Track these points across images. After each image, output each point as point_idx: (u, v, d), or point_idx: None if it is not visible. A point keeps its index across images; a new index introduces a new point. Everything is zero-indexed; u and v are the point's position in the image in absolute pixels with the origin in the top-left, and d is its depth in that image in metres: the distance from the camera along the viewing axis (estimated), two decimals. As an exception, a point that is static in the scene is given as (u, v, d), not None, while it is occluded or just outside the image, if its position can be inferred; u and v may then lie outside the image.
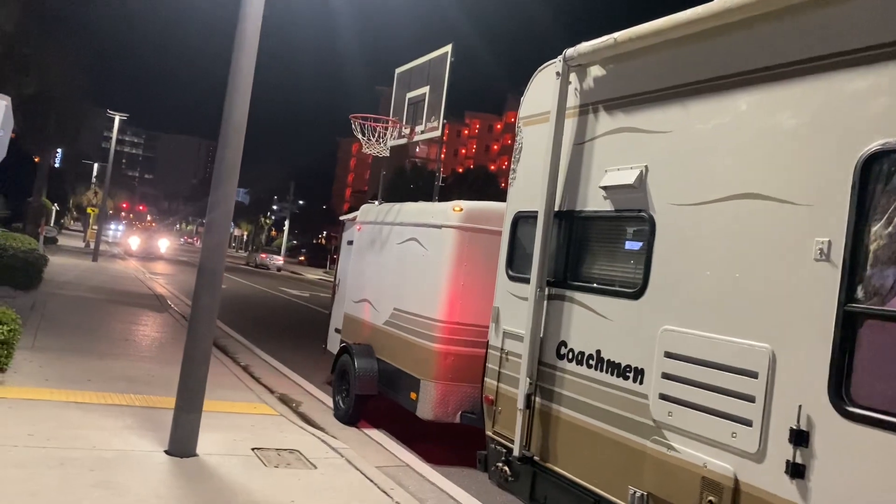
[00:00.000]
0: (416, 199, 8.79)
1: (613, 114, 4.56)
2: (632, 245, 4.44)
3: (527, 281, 4.91)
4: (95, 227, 36.02)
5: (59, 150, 50.13)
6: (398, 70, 9.07)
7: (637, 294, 4.09)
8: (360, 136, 8.35)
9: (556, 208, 4.81)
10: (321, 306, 22.64)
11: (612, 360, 4.20)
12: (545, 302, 4.80)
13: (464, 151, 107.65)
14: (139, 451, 5.66)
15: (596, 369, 4.30)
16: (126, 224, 77.32)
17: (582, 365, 4.42)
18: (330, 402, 8.99)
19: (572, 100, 4.87)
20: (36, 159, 38.05)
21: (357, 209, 9.79)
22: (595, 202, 4.55)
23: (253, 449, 6.17)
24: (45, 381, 7.52)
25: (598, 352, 4.31)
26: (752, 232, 3.47)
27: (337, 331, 9.66)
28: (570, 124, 4.85)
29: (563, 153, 4.82)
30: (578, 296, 4.56)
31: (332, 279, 10.64)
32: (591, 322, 4.41)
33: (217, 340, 12.75)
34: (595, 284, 4.49)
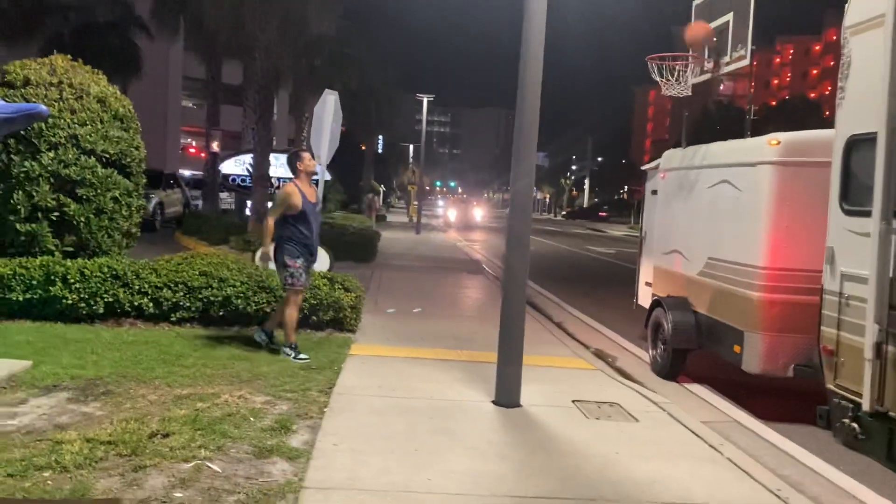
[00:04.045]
0: (723, 141, 8.15)
1: (975, 0, 3.71)
2: None
3: (867, 214, 4.26)
4: (416, 202, 39.61)
5: (380, 137, 55.99)
6: (696, 1, 8.42)
7: None
8: (657, 77, 7.95)
9: (902, 126, 4.09)
10: (628, 262, 22.34)
11: None
12: (893, 237, 4.13)
13: (776, 82, 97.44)
14: (469, 402, 6.11)
15: (969, 311, 3.60)
16: (443, 198, 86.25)
17: (949, 307, 3.72)
18: (646, 357, 8.83)
19: (915, -6, 4.07)
20: (362, 147, 43.05)
21: (658, 159, 9.39)
22: (956, 112, 3.77)
23: (573, 401, 6.30)
24: (387, 340, 8.48)
25: (971, 290, 3.60)
26: None
27: (647, 284, 9.43)
28: (913, 24, 4.07)
29: (906, 59, 4.06)
30: (939, 226, 3.84)
31: (638, 233, 10.39)
32: (959, 255, 3.69)
33: (531, 299, 13.27)
34: (962, 210, 3.73)
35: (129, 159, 8.72)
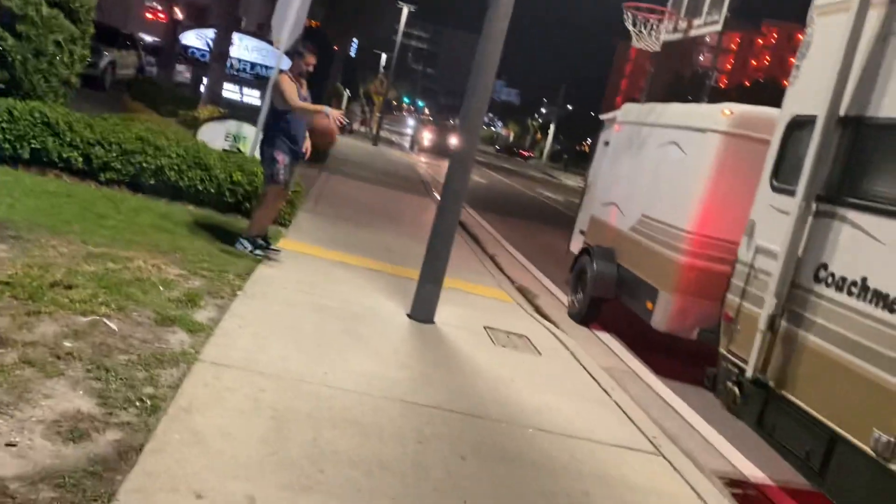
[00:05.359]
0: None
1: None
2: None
3: (792, 193, 4.38)
4: (378, 114, 38.86)
5: (354, 40, 54.17)
6: (683, -42, 8.31)
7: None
8: (630, 27, 7.89)
9: (842, 113, 4.17)
10: (572, 210, 22.60)
11: (879, 290, 3.65)
12: (810, 218, 4.27)
13: (755, 63, 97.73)
14: (385, 311, 6.19)
15: (858, 298, 3.78)
16: (411, 116, 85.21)
17: (842, 292, 3.90)
18: (566, 300, 9.06)
19: (884, -15, 4.09)
20: (335, 48, 41.72)
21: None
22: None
23: (485, 327, 6.45)
24: (318, 240, 8.45)
25: (864, 279, 3.77)
26: None
27: (581, 232, 9.58)
28: (874, 15, 4.10)
29: (860, 48, 4.11)
30: (852, 214, 3.97)
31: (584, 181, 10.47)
32: (862, 245, 3.84)
33: (470, 229, 13.37)
34: (877, 203, 3.86)
35: (78, 3, 8.25)
